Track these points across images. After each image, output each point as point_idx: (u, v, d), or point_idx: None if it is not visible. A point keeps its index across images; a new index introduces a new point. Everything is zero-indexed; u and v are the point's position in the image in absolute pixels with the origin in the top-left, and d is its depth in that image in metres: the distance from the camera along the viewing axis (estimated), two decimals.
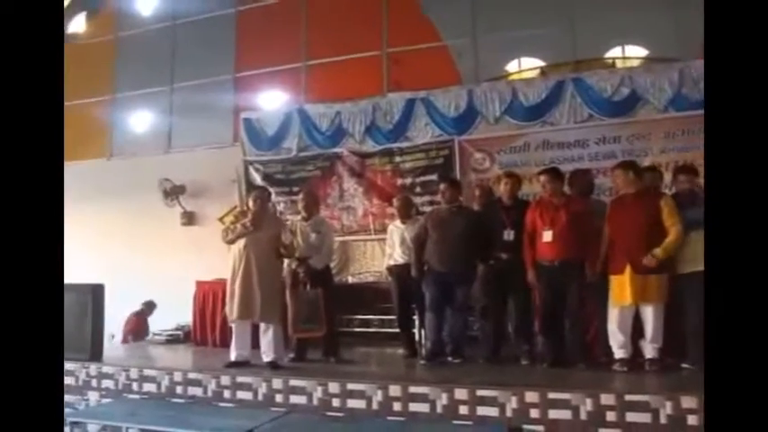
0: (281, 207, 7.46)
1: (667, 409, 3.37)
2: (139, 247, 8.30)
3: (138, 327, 7.57)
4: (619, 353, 4.30)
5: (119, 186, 8.58)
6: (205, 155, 8.42)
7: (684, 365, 4.21)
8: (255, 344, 4.88)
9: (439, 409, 3.81)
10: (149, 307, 7.83)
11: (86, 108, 9.27)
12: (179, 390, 4.60)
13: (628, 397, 3.47)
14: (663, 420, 3.37)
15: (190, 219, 8.42)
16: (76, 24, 10.41)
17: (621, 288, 4.24)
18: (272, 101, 8.64)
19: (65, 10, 10.28)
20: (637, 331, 4.31)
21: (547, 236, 4.50)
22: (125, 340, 7.46)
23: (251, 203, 5.06)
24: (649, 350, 4.25)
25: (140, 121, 9.30)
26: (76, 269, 7.44)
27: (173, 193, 8.36)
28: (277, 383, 4.31)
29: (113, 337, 7.51)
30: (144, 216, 8.43)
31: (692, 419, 3.31)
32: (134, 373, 4.78)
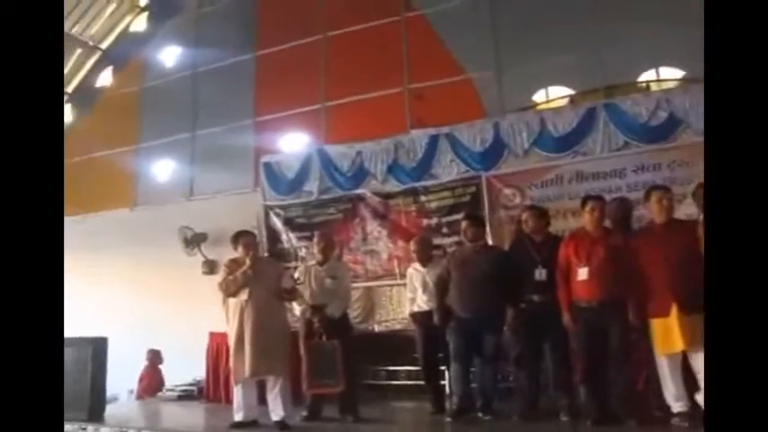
0: (302, 252, 7.13)
1: None
2: (160, 298, 8.06)
3: (151, 380, 7.18)
4: (676, 406, 3.73)
5: (141, 236, 8.46)
6: (226, 201, 8.22)
7: None
8: (260, 399, 4.47)
9: None
10: (155, 355, 7.42)
11: (113, 159, 9.31)
12: None
13: None
14: None
15: (211, 267, 8.14)
16: (104, 78, 10.62)
17: (668, 333, 3.70)
18: (292, 143, 8.46)
19: (92, 65, 10.49)
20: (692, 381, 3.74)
21: (582, 273, 4.03)
22: (140, 397, 7.08)
23: (240, 250, 4.65)
24: None
25: (163, 169, 9.28)
26: (96, 321, 7.36)
27: (193, 241, 8.16)
28: None
29: (132, 392, 7.20)
30: (165, 265, 8.23)
31: None
32: None
